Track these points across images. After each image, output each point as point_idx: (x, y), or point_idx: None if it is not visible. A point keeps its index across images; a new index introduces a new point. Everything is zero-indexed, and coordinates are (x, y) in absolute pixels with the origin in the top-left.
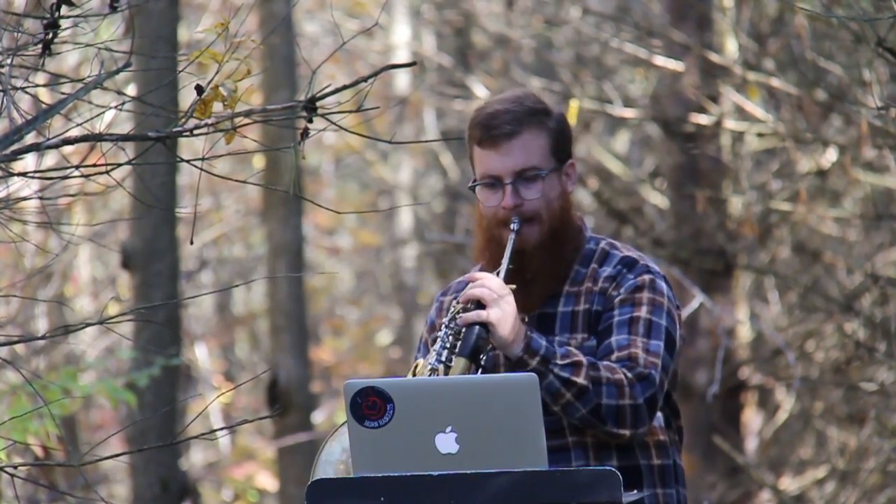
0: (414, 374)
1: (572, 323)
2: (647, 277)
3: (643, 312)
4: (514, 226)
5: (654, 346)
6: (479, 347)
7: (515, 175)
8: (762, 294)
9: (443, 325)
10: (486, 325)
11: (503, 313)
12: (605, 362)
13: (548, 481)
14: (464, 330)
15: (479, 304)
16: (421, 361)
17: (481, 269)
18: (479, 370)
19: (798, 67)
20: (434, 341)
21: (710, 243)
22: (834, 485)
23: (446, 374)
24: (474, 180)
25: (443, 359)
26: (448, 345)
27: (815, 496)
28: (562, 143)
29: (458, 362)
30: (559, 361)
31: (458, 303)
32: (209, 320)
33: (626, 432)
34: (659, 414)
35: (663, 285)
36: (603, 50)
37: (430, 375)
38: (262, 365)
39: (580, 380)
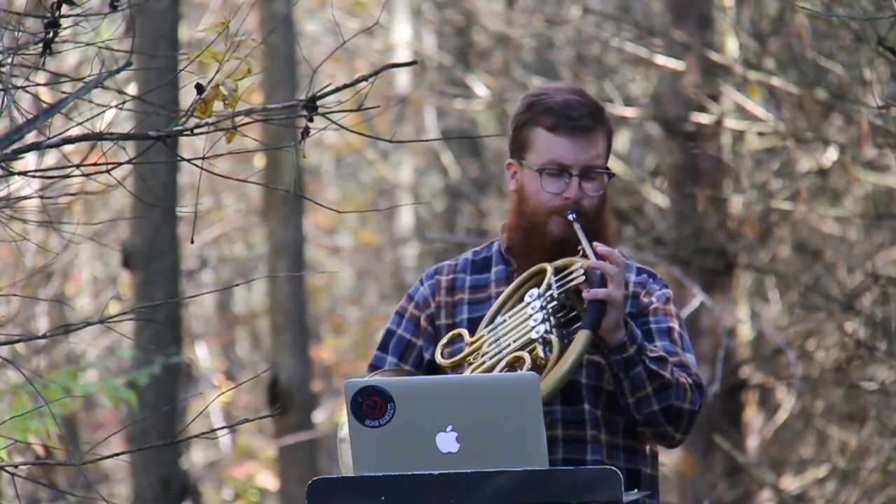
0: (476, 346)
1: None
2: (669, 291)
3: (677, 326)
4: (571, 216)
5: (691, 359)
6: (600, 323)
7: (583, 169)
8: (763, 293)
9: (539, 296)
10: (605, 304)
11: (622, 295)
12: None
13: (548, 480)
14: (586, 304)
15: (602, 281)
16: (485, 334)
17: (499, 250)
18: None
19: (798, 66)
20: (431, 319)
21: (711, 242)
22: (834, 484)
23: (563, 347)
24: (511, 162)
25: (550, 330)
26: (548, 317)
27: (815, 495)
28: (611, 145)
29: (582, 335)
30: (649, 353)
31: (573, 271)
32: (210, 319)
33: (678, 436)
34: None
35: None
36: (603, 49)
37: (535, 347)
38: (262, 364)
39: (666, 374)
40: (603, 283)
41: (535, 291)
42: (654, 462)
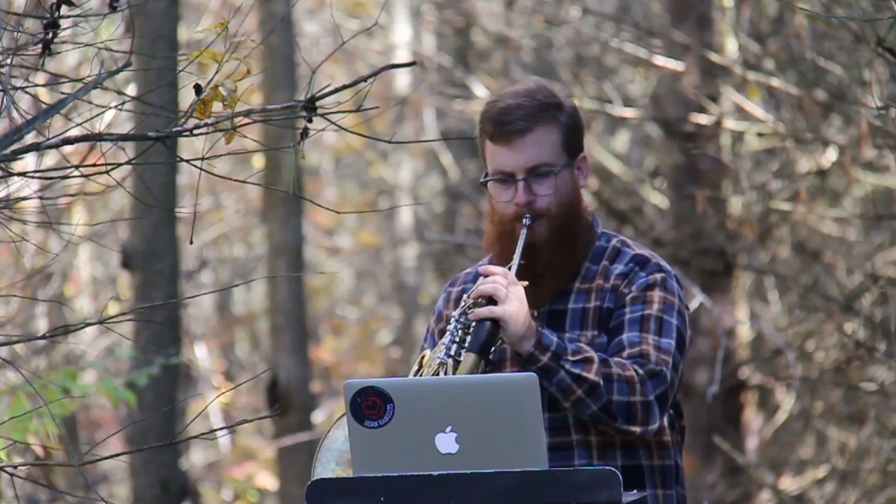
0: (420, 365)
1: (583, 320)
2: (658, 276)
3: (654, 311)
4: (525, 221)
5: (665, 344)
6: (489, 343)
7: (528, 171)
8: (762, 294)
9: (452, 319)
10: (496, 321)
11: (514, 309)
12: (617, 359)
13: (547, 481)
14: (474, 325)
15: (491, 300)
16: (428, 353)
17: (490, 262)
18: (488, 366)
19: (798, 67)
20: (442, 333)
21: (710, 243)
22: (834, 485)
23: (455, 368)
24: (486, 175)
25: (451, 353)
26: (457, 339)
27: (815, 496)
28: (573, 138)
29: (468, 358)
30: (570, 357)
31: (468, 297)
32: (209, 320)
33: (637, 429)
34: None
35: (674, 285)
36: (603, 50)
37: (438, 369)
38: (261, 365)
39: (591, 376)
40: (492, 301)
41: (456, 312)
42: (666, 451)
